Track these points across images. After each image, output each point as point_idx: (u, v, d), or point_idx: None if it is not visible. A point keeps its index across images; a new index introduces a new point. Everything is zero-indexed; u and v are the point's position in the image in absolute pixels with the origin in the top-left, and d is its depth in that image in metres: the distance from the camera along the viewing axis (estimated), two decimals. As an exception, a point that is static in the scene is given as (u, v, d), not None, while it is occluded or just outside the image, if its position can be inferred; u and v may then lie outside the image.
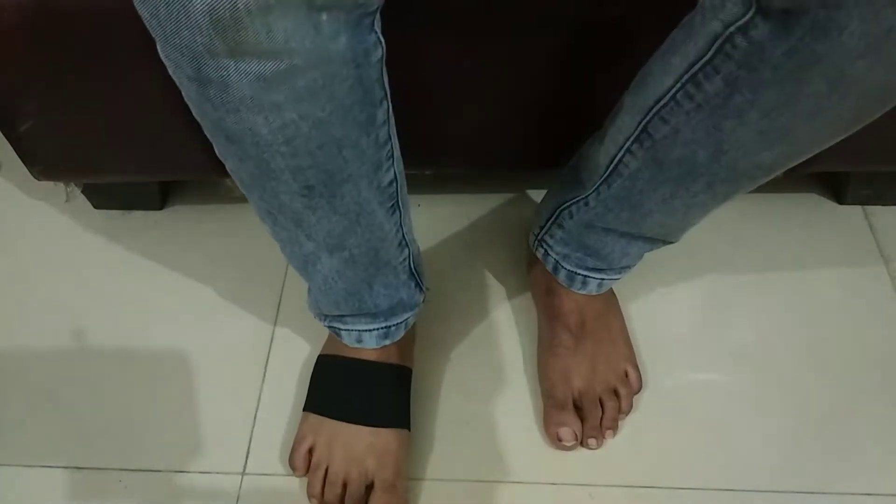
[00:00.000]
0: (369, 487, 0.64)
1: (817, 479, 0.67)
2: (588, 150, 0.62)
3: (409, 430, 0.67)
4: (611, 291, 0.73)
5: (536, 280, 0.75)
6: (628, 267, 0.68)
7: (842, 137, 0.47)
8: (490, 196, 0.87)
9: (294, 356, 0.76)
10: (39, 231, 0.88)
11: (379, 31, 0.45)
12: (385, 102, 0.49)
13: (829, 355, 0.74)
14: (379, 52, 0.45)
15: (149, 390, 0.74)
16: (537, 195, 0.88)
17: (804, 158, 0.49)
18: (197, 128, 0.70)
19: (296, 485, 0.68)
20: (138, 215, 0.89)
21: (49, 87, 0.65)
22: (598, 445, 0.68)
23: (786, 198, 0.86)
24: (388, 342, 0.67)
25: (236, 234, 0.86)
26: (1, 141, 0.71)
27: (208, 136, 0.48)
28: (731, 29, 0.42)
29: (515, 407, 0.72)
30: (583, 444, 0.68)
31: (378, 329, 0.65)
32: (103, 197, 0.88)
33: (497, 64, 0.64)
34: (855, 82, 0.40)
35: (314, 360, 0.74)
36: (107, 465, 0.70)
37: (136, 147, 0.73)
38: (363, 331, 0.65)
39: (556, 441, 0.68)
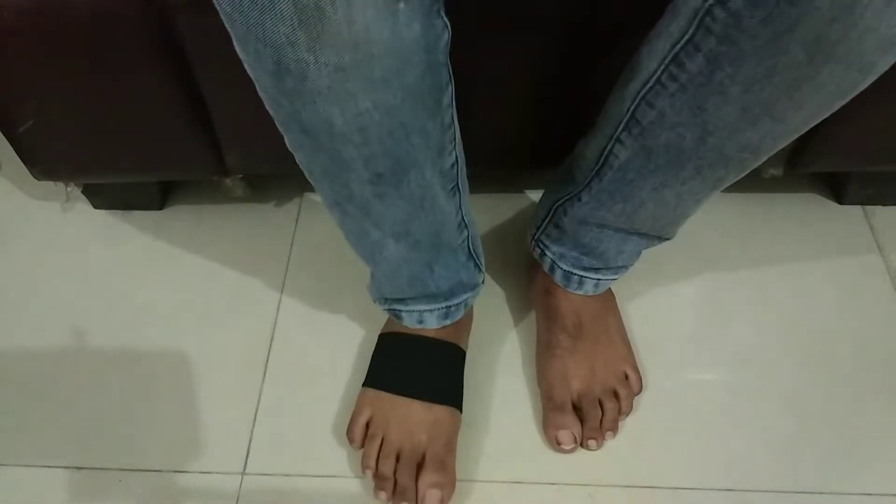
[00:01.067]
0: (420, 465, 0.64)
1: (817, 479, 0.67)
2: (580, 147, 0.62)
3: (461, 411, 0.68)
4: (609, 292, 0.73)
5: (534, 280, 0.75)
6: (625, 266, 0.68)
7: (825, 115, 0.47)
8: (490, 196, 0.87)
9: (294, 356, 0.76)
10: (39, 231, 0.88)
11: (444, 15, 0.45)
12: (450, 86, 0.49)
13: (829, 355, 0.74)
14: (446, 36, 0.46)
15: (149, 390, 0.74)
16: (537, 195, 0.87)
17: (790, 139, 0.49)
18: (196, 128, 0.70)
19: (296, 485, 0.68)
20: (138, 215, 0.89)
21: (49, 87, 0.65)
22: (598, 447, 0.68)
23: (786, 198, 0.86)
24: (448, 322, 0.67)
25: (236, 234, 0.86)
26: (1, 141, 0.71)
27: (281, 129, 0.48)
28: (710, 1, 0.43)
29: (515, 407, 0.72)
30: (582, 445, 0.68)
31: (439, 309, 0.66)
32: (103, 197, 0.88)
33: (497, 62, 0.64)
34: (831, 47, 0.40)
35: (314, 361, 0.74)
36: (107, 465, 0.70)
37: (136, 147, 0.73)
38: (424, 311, 0.66)
39: (556, 444, 0.68)
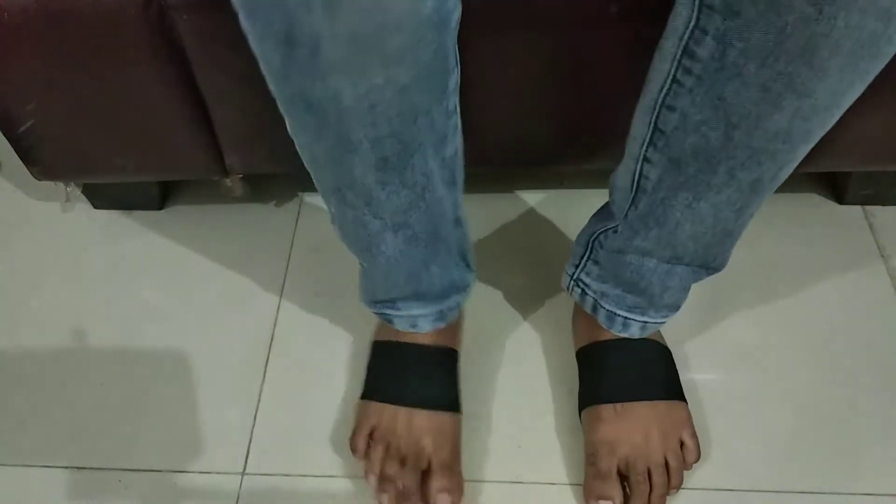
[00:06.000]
0: (426, 472, 0.63)
1: (817, 479, 0.67)
2: (612, 180, 0.60)
3: (461, 414, 0.67)
4: (661, 340, 0.69)
5: (576, 324, 0.71)
6: (673, 306, 0.64)
7: (855, 85, 0.44)
8: (490, 196, 0.87)
9: (294, 356, 0.76)
10: (39, 231, 0.88)
11: None
12: (456, 70, 0.49)
13: (829, 355, 0.74)
14: (458, 15, 0.45)
15: (149, 390, 0.74)
16: (537, 195, 0.88)
17: (824, 121, 0.46)
18: (196, 128, 0.70)
19: (296, 485, 0.68)
20: (138, 215, 0.89)
21: (49, 87, 0.65)
22: None
23: (786, 198, 0.86)
24: (442, 325, 0.66)
25: (236, 233, 0.86)
26: (1, 141, 0.71)
27: (284, 110, 0.47)
28: None
29: (515, 407, 0.72)
30: None
31: (432, 313, 0.65)
32: (103, 197, 0.88)
33: (499, 60, 0.64)
34: None
35: (314, 360, 0.73)
36: (107, 465, 0.70)
37: (136, 147, 0.73)
38: (417, 315, 0.65)
39: None
